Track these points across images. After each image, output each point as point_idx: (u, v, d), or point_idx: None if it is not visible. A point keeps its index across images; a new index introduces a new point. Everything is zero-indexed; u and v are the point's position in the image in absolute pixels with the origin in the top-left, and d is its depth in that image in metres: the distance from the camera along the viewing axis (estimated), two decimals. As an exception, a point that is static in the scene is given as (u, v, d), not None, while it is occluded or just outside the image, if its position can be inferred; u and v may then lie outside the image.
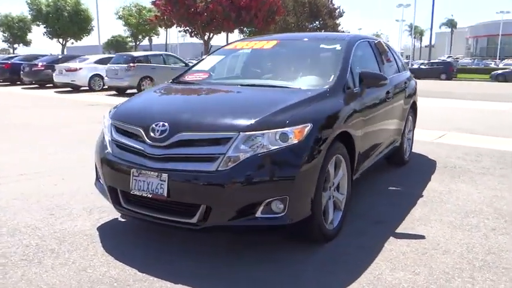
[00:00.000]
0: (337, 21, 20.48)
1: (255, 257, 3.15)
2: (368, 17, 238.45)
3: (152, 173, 3.01)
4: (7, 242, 3.35)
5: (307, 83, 3.86)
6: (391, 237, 3.48)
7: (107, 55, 22.88)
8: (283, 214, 2.92)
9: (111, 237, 3.47)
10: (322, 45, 4.42)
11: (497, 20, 79.30)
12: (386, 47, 5.13)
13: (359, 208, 4.04)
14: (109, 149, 3.35)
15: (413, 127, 6.23)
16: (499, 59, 65.47)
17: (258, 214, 2.93)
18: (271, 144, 2.91)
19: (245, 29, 13.62)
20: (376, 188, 4.76)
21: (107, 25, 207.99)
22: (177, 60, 18.15)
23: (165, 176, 2.96)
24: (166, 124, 3.09)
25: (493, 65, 49.55)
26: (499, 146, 7.13)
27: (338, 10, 20.22)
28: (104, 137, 3.50)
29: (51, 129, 8.73)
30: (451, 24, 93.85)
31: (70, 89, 19.10)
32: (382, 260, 3.09)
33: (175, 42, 76.05)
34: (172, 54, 19.52)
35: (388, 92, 4.54)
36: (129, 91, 16.64)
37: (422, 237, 3.49)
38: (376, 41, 4.91)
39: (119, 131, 3.37)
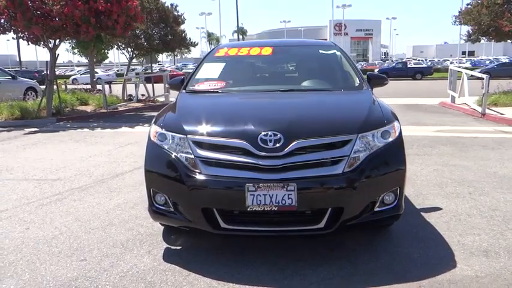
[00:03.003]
0: (182, 28, 20.65)
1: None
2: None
3: (275, 184, 2.88)
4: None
5: (338, 85, 4.13)
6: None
7: None
8: (394, 205, 3.18)
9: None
10: (321, 51, 4.74)
11: (281, 28, 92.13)
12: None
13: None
14: (196, 169, 3.02)
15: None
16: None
17: (376, 208, 3.12)
18: (378, 142, 3.13)
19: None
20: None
21: None
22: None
23: (292, 185, 2.87)
24: (278, 133, 2.98)
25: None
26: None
27: (181, 17, 20.38)
28: (170, 157, 3.11)
29: None
30: (242, 31, 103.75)
31: None
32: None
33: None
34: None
35: None
36: None
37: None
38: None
39: (206, 146, 3.07)
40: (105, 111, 13.51)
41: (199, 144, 3.09)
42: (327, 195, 2.96)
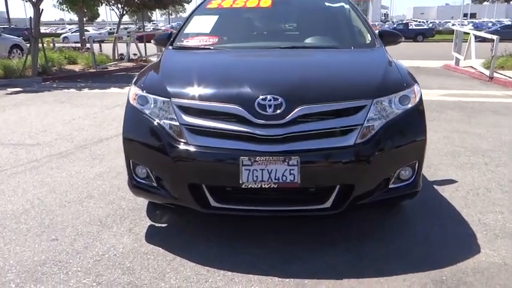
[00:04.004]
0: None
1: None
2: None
3: (275, 158, 2.44)
4: None
5: (347, 42, 3.62)
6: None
7: None
8: (411, 181, 2.76)
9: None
10: (327, 4, 4.17)
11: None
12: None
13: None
14: (181, 138, 2.57)
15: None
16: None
17: (391, 185, 2.69)
18: (396, 108, 2.67)
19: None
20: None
21: None
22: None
23: (295, 159, 2.43)
24: (279, 97, 2.51)
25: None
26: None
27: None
28: (152, 124, 2.65)
29: None
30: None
31: None
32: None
33: None
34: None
35: None
36: None
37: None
38: None
39: (194, 112, 2.60)
40: (94, 71, 12.86)
41: (185, 110, 2.62)
42: (336, 170, 2.53)
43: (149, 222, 3.12)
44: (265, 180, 2.46)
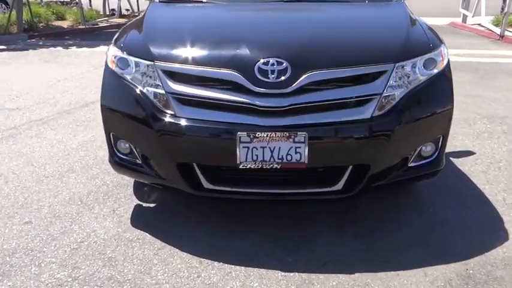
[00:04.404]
0: None
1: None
2: None
3: (278, 134, 2.07)
4: None
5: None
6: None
7: None
8: (433, 158, 2.40)
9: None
10: None
11: None
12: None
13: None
14: (168, 109, 2.18)
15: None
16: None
17: (411, 163, 2.34)
18: (421, 74, 2.27)
19: None
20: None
21: None
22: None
23: (302, 135, 2.06)
24: (283, 61, 2.11)
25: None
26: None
27: None
28: (134, 91, 2.26)
29: None
30: None
31: None
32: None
33: None
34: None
35: None
36: None
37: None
38: None
39: (182, 78, 2.20)
40: (83, 27, 12.17)
41: (172, 75, 2.22)
42: (350, 148, 2.16)
43: (136, 202, 2.78)
44: (267, 160, 2.10)
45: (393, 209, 2.69)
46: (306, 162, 2.10)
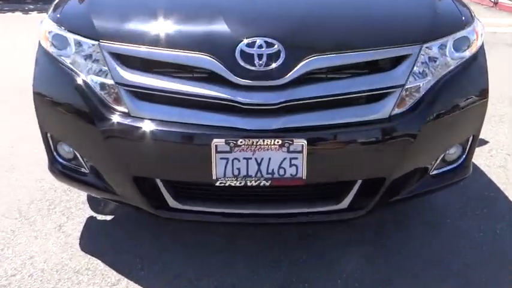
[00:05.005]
0: None
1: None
2: None
3: (268, 140, 1.55)
4: None
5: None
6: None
7: None
8: (459, 162, 1.92)
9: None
10: None
11: None
12: None
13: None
14: (119, 105, 1.63)
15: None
16: None
17: (433, 171, 1.86)
18: (451, 57, 1.75)
19: None
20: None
21: None
22: None
23: (299, 142, 1.54)
24: (274, 42, 1.56)
25: None
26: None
27: None
28: (74, 80, 1.69)
29: None
30: None
31: None
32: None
33: None
34: None
35: None
36: None
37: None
38: None
39: (137, 64, 1.64)
40: (48, -11, 11.18)
41: (124, 60, 1.64)
42: (361, 158, 1.66)
43: (88, 213, 2.25)
44: (252, 175, 1.58)
45: (401, 213, 2.23)
46: (304, 177, 1.59)
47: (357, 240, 2.04)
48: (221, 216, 1.75)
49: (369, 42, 1.62)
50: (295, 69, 1.55)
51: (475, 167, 2.74)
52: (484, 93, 1.84)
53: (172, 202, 1.73)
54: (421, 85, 1.67)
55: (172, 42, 1.62)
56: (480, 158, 2.84)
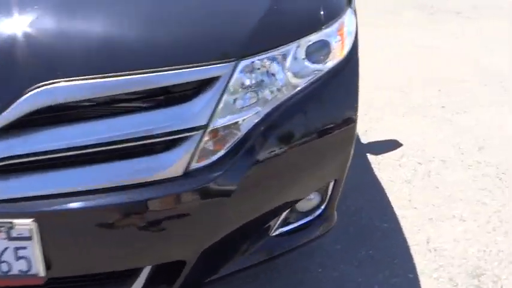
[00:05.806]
0: None
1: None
2: None
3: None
4: None
5: None
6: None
7: None
8: (318, 213, 1.41)
9: None
10: None
11: None
12: None
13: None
14: None
15: None
16: None
17: (276, 231, 1.33)
18: (298, 72, 1.18)
19: None
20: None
21: None
22: None
23: (24, 226, 0.98)
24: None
25: None
26: None
27: None
28: None
29: None
30: None
31: None
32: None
33: None
34: None
35: None
36: None
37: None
38: None
39: None
40: None
41: None
42: (138, 239, 1.10)
43: None
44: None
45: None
46: (42, 274, 1.03)
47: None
48: None
49: (146, 60, 1.02)
50: (15, 105, 0.95)
51: (375, 182, 2.25)
52: (348, 121, 1.29)
53: None
54: (240, 121, 1.11)
55: None
56: (386, 169, 2.36)
